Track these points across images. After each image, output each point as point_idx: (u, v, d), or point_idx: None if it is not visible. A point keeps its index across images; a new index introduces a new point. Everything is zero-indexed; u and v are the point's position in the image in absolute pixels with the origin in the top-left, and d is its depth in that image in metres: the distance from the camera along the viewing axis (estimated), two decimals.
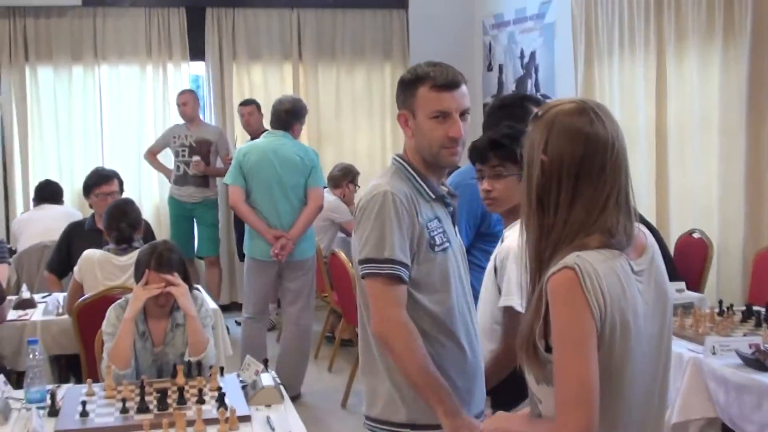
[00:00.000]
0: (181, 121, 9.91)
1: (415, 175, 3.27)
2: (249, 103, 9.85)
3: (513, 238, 3.35)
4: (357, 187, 9.15)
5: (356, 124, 11.17)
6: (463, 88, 3.24)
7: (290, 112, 7.57)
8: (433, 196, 3.28)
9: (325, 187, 7.74)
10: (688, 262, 6.81)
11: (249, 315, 7.41)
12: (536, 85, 9.90)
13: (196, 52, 10.65)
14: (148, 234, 6.71)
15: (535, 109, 2.61)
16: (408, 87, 3.26)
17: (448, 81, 3.19)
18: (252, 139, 9.44)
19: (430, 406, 3.12)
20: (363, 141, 11.15)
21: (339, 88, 11.05)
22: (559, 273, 2.37)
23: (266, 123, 9.46)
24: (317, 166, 7.49)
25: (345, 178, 9.07)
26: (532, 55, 9.98)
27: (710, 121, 7.29)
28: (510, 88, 10.39)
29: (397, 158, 3.34)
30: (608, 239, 2.43)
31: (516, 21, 10.26)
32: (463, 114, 3.22)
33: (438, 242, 3.23)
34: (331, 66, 11.05)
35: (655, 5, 7.82)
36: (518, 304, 3.42)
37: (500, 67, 10.62)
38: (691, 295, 5.73)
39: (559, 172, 2.45)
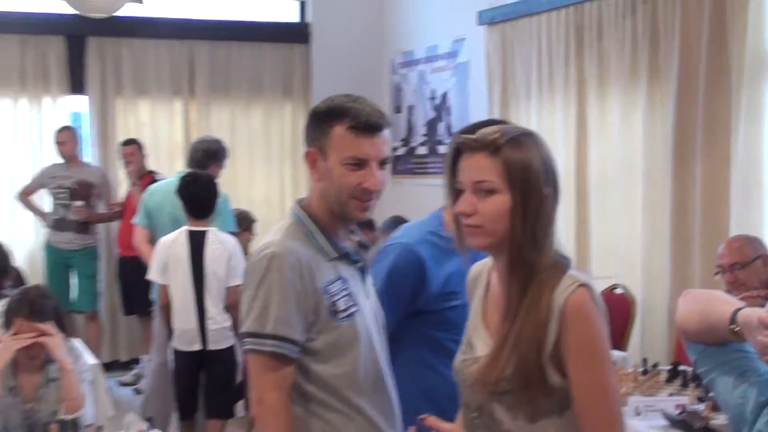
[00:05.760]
0: (60, 160, 9.78)
1: (314, 230, 3.10)
2: (129, 143, 9.80)
3: None
4: (253, 236, 9.09)
5: (252, 167, 11.03)
6: (386, 132, 3.07)
7: (207, 152, 7.89)
8: (336, 255, 3.11)
9: (233, 234, 7.81)
10: (610, 319, 6.83)
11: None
12: (448, 128, 9.94)
13: (77, 85, 10.51)
14: (19, 282, 6.60)
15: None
16: (322, 122, 3.06)
17: (370, 123, 3.01)
18: (133, 182, 9.63)
19: None
20: (260, 186, 11.04)
21: (234, 128, 10.92)
22: (577, 291, 2.54)
23: (153, 164, 9.51)
24: (222, 210, 7.56)
25: (241, 225, 8.98)
26: (444, 96, 10.04)
27: (634, 168, 7.33)
28: (420, 131, 10.45)
29: (297, 208, 3.17)
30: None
31: (427, 59, 10.34)
32: (382, 162, 3.07)
33: (341, 308, 3.05)
34: (226, 103, 10.98)
35: (576, 45, 7.90)
36: None
37: (410, 109, 10.67)
38: (613, 354, 5.77)
39: (552, 197, 2.61)
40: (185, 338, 6.73)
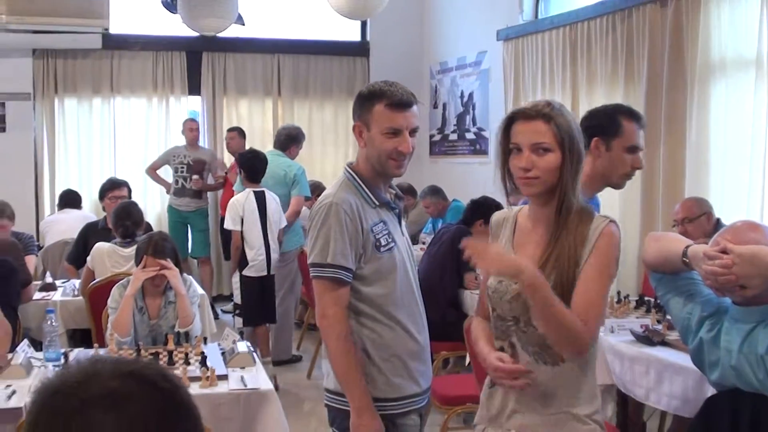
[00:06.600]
0: (181, 143, 9.89)
1: (362, 184, 3.07)
2: (232, 130, 9.94)
3: None
4: None
5: (324, 150, 11.11)
6: (415, 108, 3.02)
7: (289, 136, 8.01)
8: (378, 203, 3.09)
9: (308, 198, 7.88)
10: None
11: None
12: (473, 120, 9.88)
13: (194, 89, 10.62)
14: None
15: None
16: (365, 102, 3.04)
17: (402, 101, 2.98)
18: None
19: (346, 396, 3.00)
20: (330, 164, 11.07)
21: (311, 120, 10.96)
22: (611, 224, 2.56)
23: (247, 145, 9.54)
24: (300, 180, 7.64)
25: (314, 192, 9.04)
26: (470, 95, 9.98)
27: None
28: (452, 122, 10.39)
29: (348, 169, 3.13)
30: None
31: (457, 67, 10.28)
32: (412, 131, 3.02)
33: (383, 243, 3.04)
34: (305, 102, 11.02)
35: (571, 55, 7.86)
36: None
37: (444, 105, 10.61)
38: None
39: (583, 154, 2.61)
40: (258, 267, 7.01)
